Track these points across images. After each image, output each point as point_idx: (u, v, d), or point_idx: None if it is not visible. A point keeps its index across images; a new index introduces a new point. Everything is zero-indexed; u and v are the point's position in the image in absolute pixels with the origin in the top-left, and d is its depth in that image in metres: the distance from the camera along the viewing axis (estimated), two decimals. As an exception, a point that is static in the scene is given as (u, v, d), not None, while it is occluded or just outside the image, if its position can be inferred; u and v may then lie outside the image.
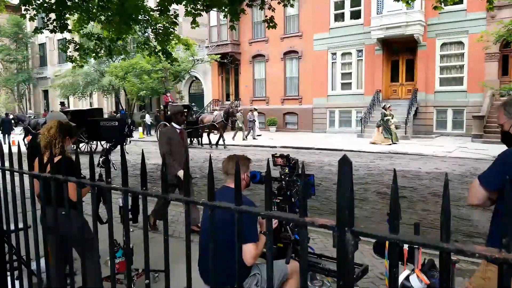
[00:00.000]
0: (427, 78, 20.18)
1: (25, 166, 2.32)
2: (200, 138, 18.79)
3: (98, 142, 16.13)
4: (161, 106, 19.99)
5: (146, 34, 11.26)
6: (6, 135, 21.48)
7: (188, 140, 16.58)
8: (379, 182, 9.21)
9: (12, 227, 2.54)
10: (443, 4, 8.97)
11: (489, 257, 0.87)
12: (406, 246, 2.27)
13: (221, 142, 17.61)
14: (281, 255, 2.93)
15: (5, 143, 2.55)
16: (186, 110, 17.24)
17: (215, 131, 18.46)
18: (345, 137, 19.53)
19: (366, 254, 4.30)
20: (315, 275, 3.21)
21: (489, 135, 15.79)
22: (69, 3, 8.72)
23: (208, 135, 18.31)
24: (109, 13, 8.84)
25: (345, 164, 1.07)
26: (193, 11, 9.40)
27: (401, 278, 2.21)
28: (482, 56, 18.29)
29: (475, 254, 0.89)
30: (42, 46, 40.67)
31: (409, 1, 9.51)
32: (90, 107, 29.94)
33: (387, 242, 1.78)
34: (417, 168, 10.93)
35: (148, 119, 26.65)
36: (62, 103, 22.63)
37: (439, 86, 20.26)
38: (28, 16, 8.89)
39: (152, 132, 26.88)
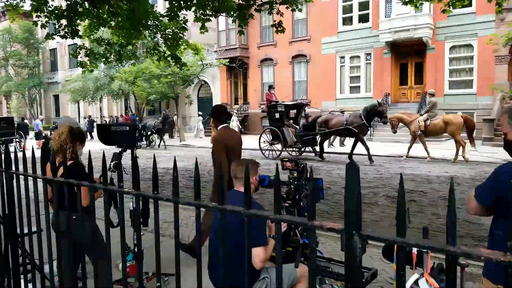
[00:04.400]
0: (436, 81, 20.07)
1: (38, 171, 2.37)
2: (320, 146, 14.25)
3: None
4: (261, 106, 17.20)
5: (156, 39, 11.36)
6: (22, 139, 21.78)
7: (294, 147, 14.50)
8: (389, 186, 9.17)
9: (26, 230, 2.59)
10: (451, 7, 8.94)
11: (495, 259, 0.89)
12: (415, 250, 2.27)
13: (363, 151, 12.76)
14: (290, 259, 2.94)
15: (21, 148, 2.60)
16: (294, 110, 15.28)
17: (347, 137, 14.79)
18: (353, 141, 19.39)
19: (375, 258, 4.29)
20: (324, 279, 3.21)
21: (499, 138, 15.64)
22: (80, 9, 8.85)
23: (323, 142, 14.43)
24: (119, 19, 8.94)
25: (352, 168, 1.09)
26: (202, 16, 9.48)
27: (410, 282, 2.21)
28: (491, 58, 18.16)
29: (481, 257, 0.91)
30: (53, 51, 41.16)
31: (418, 5, 9.51)
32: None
33: (395, 246, 1.79)
34: (427, 172, 10.85)
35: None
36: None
37: (448, 89, 20.13)
38: (39, 23, 9.03)
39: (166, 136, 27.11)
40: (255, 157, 11.78)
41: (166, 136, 22.52)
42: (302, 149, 14.72)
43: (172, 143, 22.19)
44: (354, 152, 13.32)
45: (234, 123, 22.65)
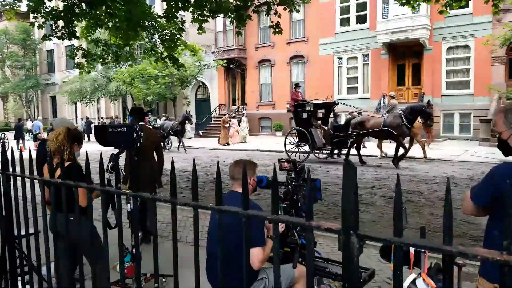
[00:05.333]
0: (433, 82, 20.13)
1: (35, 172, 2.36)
2: (357, 149, 13.17)
3: None
4: (287, 106, 15.19)
5: (153, 40, 11.36)
6: (21, 140, 21.78)
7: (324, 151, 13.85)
8: (386, 186, 9.19)
9: (23, 232, 2.59)
10: (448, 8, 8.99)
11: (491, 259, 0.89)
12: (412, 250, 2.28)
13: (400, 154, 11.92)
14: (288, 260, 2.94)
15: (19, 149, 2.60)
16: (322, 109, 13.84)
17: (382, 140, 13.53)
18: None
19: (373, 258, 4.30)
20: (322, 279, 3.21)
21: (496, 138, 15.67)
22: (77, 11, 8.85)
23: (360, 146, 13.40)
24: (117, 20, 8.95)
25: (349, 168, 1.09)
26: (199, 17, 9.49)
27: (407, 282, 2.22)
28: (488, 59, 18.23)
29: (477, 257, 0.91)
30: (50, 52, 41.09)
31: (415, 6, 9.54)
32: None
33: (393, 246, 1.80)
34: (424, 172, 10.88)
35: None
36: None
37: (445, 90, 20.19)
38: (36, 24, 9.03)
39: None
40: (253, 158, 11.79)
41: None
42: (333, 152, 13.83)
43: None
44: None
45: (244, 124, 22.52)
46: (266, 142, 20.66)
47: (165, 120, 21.91)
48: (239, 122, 22.37)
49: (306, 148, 13.84)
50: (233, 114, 22.58)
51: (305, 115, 13.44)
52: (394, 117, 11.95)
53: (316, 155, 14.20)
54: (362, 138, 13.22)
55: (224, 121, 20.98)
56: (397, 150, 11.83)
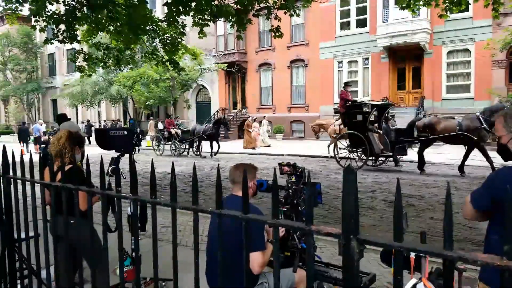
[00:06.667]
0: (434, 85, 20.14)
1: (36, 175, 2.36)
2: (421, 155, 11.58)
3: None
4: (335, 107, 13.69)
5: (154, 44, 11.39)
6: (25, 144, 21.80)
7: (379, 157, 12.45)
8: (387, 190, 9.18)
9: (23, 235, 2.58)
10: (448, 12, 9.01)
11: (491, 264, 0.89)
12: (413, 255, 2.27)
13: (483, 163, 10.92)
14: (288, 264, 2.93)
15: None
16: (375, 111, 12.06)
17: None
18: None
19: (373, 263, 4.28)
20: (322, 283, 3.20)
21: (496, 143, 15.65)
22: (78, 14, 8.87)
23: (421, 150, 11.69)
24: (118, 24, 8.98)
25: (349, 172, 1.09)
26: (200, 21, 9.52)
27: (408, 287, 2.21)
28: (488, 63, 18.25)
29: (478, 262, 0.91)
30: (51, 56, 41.18)
31: (415, 10, 9.56)
32: None
33: (393, 251, 1.79)
34: (425, 176, 10.87)
35: (160, 127, 26.86)
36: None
37: (446, 94, 20.20)
38: (38, 28, 9.05)
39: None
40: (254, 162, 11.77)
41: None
42: (394, 158, 12.14)
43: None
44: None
45: (265, 128, 21.84)
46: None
47: (200, 124, 20.90)
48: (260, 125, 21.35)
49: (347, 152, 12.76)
50: (255, 117, 21.52)
51: (360, 117, 12.03)
52: (472, 120, 10.61)
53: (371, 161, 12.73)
54: (431, 143, 11.67)
55: (248, 124, 20.22)
56: (467, 156, 10.68)
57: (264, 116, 22.68)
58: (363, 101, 12.98)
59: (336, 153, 12.93)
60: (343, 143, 13.00)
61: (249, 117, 21.36)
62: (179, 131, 18.58)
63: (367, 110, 11.90)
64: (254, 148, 19.56)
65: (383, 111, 12.65)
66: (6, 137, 33.96)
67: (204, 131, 17.17)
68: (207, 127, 17.53)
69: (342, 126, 13.84)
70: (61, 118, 7.74)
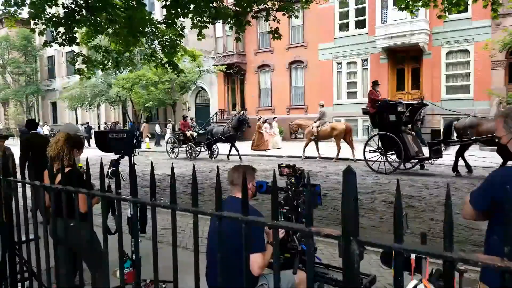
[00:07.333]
0: (433, 86, 20.16)
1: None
2: (463, 157, 10.98)
3: None
4: (364, 107, 12.77)
5: (153, 46, 11.40)
6: None
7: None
8: (387, 192, 9.17)
9: (23, 238, 2.58)
10: (447, 12, 9.02)
11: (492, 265, 0.89)
12: (413, 256, 2.27)
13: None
14: (288, 266, 2.93)
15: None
16: (405, 111, 11.29)
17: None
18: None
19: (373, 264, 4.28)
20: (322, 285, 3.20)
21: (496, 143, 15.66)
22: (77, 17, 8.89)
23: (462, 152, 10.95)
24: (117, 26, 8.99)
25: (349, 173, 1.09)
26: (199, 23, 9.53)
27: (408, 288, 2.21)
28: (488, 64, 18.27)
29: (479, 263, 0.91)
30: (50, 58, 41.19)
31: (414, 10, 9.58)
32: None
33: (393, 252, 1.79)
34: (425, 177, 10.86)
35: (158, 129, 26.90)
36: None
37: (445, 94, 20.21)
38: (37, 31, 9.06)
39: (162, 142, 26.98)
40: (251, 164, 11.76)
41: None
42: (431, 161, 11.40)
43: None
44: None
45: (276, 129, 21.40)
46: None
47: (214, 125, 20.10)
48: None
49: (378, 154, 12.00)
50: (266, 118, 20.88)
51: (393, 117, 11.38)
52: None
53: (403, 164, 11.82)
54: (469, 145, 10.95)
55: (259, 126, 19.72)
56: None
57: (274, 118, 22.07)
58: (395, 101, 12.48)
59: (365, 156, 12.14)
60: (372, 145, 12.27)
61: (259, 118, 20.59)
62: (194, 133, 17.79)
63: (402, 110, 11.28)
64: (265, 150, 19.04)
65: (416, 111, 12.05)
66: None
67: (223, 133, 16.33)
68: (226, 128, 16.61)
69: (319, 128, 14.96)
70: (30, 124, 7.22)
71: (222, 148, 17.10)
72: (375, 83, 12.65)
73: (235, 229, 2.29)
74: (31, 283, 2.68)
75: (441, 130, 12.24)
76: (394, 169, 11.50)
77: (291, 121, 17.89)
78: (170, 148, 18.24)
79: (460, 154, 10.87)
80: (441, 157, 11.36)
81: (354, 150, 14.33)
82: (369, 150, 12.03)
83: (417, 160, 11.67)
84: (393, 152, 11.67)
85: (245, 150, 18.08)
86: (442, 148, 11.46)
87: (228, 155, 16.31)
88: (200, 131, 18.71)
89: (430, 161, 11.40)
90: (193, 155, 17.28)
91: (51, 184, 2.15)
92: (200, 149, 17.54)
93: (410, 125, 11.94)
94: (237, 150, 15.91)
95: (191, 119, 21.35)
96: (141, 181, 10.26)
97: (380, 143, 12.06)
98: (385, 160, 11.79)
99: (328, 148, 16.37)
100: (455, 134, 11.22)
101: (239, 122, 16.34)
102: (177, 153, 17.84)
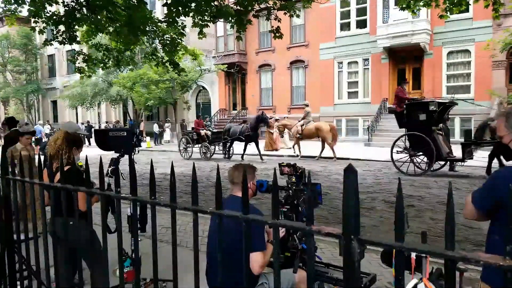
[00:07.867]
0: (434, 86, 20.16)
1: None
2: (492, 159, 10.43)
3: None
4: (389, 106, 11.75)
5: (154, 45, 11.39)
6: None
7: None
8: (387, 191, 9.16)
9: (22, 236, 2.57)
10: (449, 12, 9.01)
11: (494, 264, 0.88)
12: (413, 255, 2.26)
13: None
14: (289, 264, 2.92)
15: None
16: (436, 109, 10.70)
17: None
18: (352, 146, 19.47)
19: (374, 263, 4.28)
20: (323, 284, 3.19)
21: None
22: (78, 15, 8.88)
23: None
24: (118, 25, 8.98)
25: (350, 172, 1.08)
26: (200, 22, 9.52)
27: (408, 287, 2.20)
28: (489, 64, 18.25)
29: (480, 262, 0.90)
30: (51, 57, 41.18)
31: (415, 10, 9.57)
32: None
33: (394, 251, 1.79)
34: (425, 177, 10.85)
35: (156, 128, 26.89)
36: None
37: (446, 94, 20.17)
38: (37, 29, 9.05)
39: (162, 141, 27.04)
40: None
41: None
42: (463, 163, 10.89)
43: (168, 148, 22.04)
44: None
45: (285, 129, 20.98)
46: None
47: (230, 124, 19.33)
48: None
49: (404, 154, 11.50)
50: (277, 117, 20.33)
51: (423, 116, 10.79)
52: None
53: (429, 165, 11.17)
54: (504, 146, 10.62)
55: (270, 125, 18.66)
56: None
57: (285, 117, 21.11)
58: (414, 99, 11.99)
59: (393, 157, 11.58)
60: (399, 145, 11.62)
61: (271, 118, 18.94)
62: (208, 133, 17.05)
63: (434, 109, 10.70)
64: (276, 150, 18.71)
65: (446, 110, 11.40)
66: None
67: (241, 132, 15.75)
68: (244, 128, 15.96)
69: (304, 127, 15.50)
70: (10, 122, 7.42)
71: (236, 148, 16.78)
72: (403, 82, 12.28)
73: (235, 228, 2.29)
74: (30, 282, 2.67)
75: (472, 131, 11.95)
76: (425, 170, 11.03)
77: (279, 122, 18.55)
78: (184, 148, 17.55)
79: (494, 155, 10.33)
80: (472, 158, 10.90)
81: (334, 149, 15.09)
82: (397, 151, 11.45)
83: (446, 161, 11.26)
84: (422, 153, 11.20)
85: (253, 149, 17.41)
86: (473, 148, 11.08)
87: (243, 155, 15.86)
88: (214, 130, 18.05)
89: (461, 162, 10.97)
90: (208, 155, 16.70)
91: (50, 183, 2.14)
92: (215, 148, 16.97)
93: (440, 125, 11.36)
94: (259, 151, 15.52)
95: (205, 117, 20.51)
96: (142, 180, 10.25)
97: (408, 143, 11.48)
98: (415, 161, 11.31)
99: (314, 147, 16.51)
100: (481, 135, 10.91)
101: (258, 121, 15.73)
102: (190, 153, 17.16)
